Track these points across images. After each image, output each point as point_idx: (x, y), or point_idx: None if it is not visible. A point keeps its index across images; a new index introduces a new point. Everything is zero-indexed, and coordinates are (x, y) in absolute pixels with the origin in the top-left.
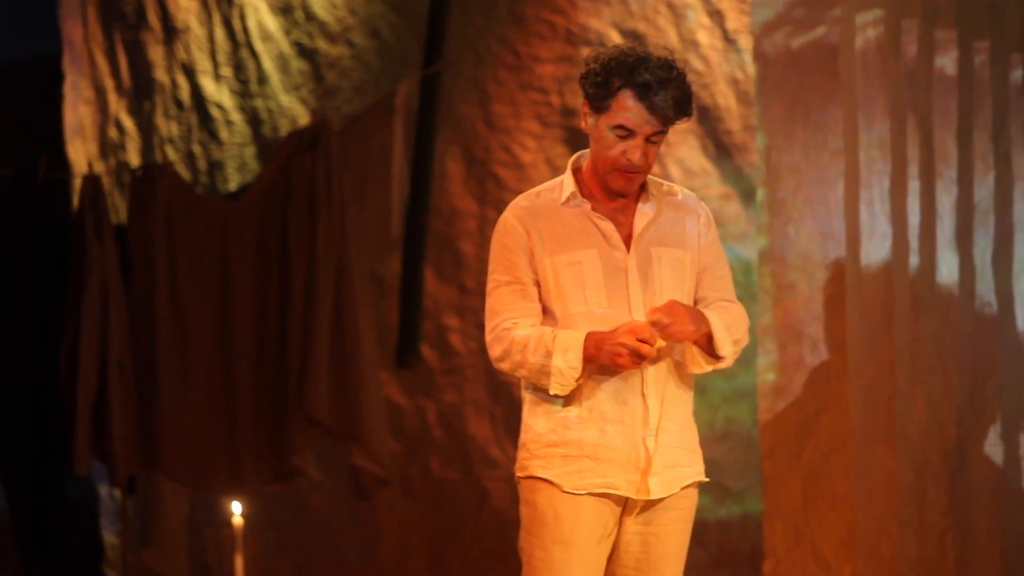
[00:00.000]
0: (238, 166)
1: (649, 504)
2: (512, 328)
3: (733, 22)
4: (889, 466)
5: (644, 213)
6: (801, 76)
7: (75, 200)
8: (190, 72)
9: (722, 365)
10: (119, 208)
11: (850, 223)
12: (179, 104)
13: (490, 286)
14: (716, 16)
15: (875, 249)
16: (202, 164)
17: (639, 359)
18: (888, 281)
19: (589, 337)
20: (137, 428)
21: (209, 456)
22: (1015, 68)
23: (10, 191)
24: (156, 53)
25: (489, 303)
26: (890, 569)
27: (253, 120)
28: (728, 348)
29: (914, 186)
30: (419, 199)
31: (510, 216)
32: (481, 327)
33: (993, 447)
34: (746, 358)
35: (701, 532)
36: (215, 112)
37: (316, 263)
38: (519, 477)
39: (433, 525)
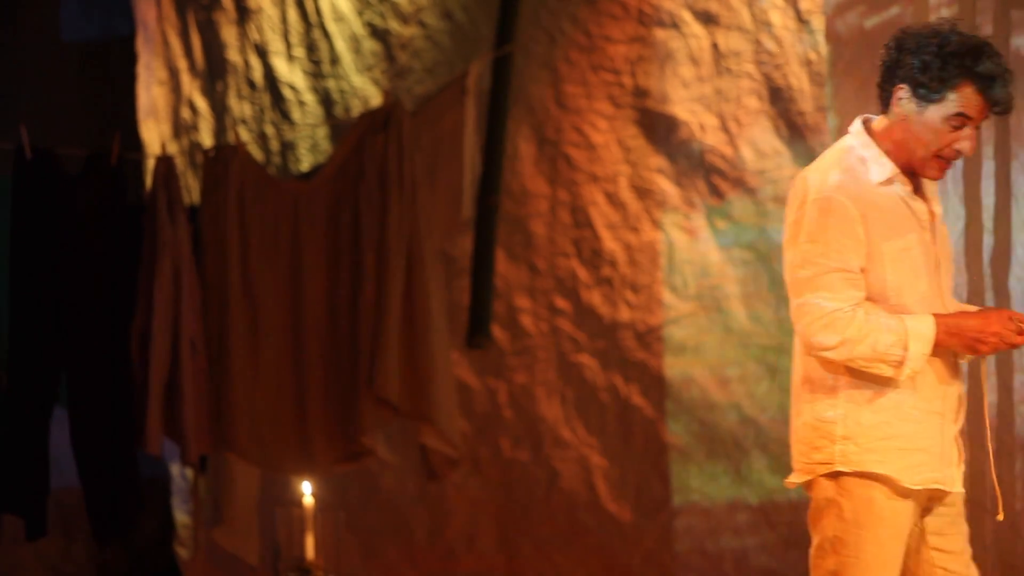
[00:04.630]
0: (310, 147)
1: (940, 498)
2: (851, 316)
3: (806, 2)
4: None
5: (932, 195)
6: (874, 56)
7: (148, 180)
8: (263, 53)
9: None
10: (192, 188)
11: None
12: (252, 85)
13: (815, 269)
14: None
15: (950, 231)
16: (274, 145)
17: (1002, 348)
18: (962, 264)
19: (939, 323)
20: (208, 408)
21: (279, 436)
22: None
23: (84, 171)
24: (229, 34)
25: (814, 286)
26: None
27: (325, 101)
28: None
29: (988, 167)
30: (490, 180)
31: (842, 197)
32: (553, 308)
33: None
34: None
35: (772, 513)
36: (287, 93)
37: (387, 243)
38: (843, 472)
39: (502, 505)
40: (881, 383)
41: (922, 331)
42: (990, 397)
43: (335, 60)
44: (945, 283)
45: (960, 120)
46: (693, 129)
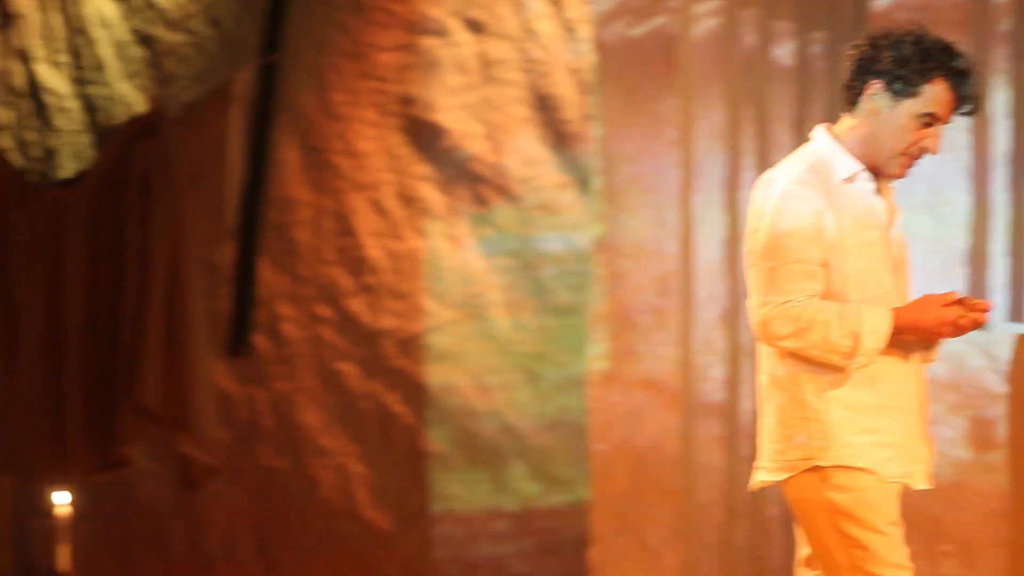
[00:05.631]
0: (73, 154)
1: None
2: (804, 306)
3: (573, 11)
4: (717, 454)
5: (891, 193)
6: (639, 66)
7: None
8: (25, 58)
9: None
10: None
11: (684, 213)
12: (13, 91)
13: (774, 261)
14: (556, 5)
15: (709, 239)
16: (36, 151)
17: (961, 333)
18: (722, 272)
19: (895, 317)
20: None
21: (35, 445)
22: None
23: None
24: None
25: (770, 278)
26: (718, 557)
27: (89, 107)
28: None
29: (749, 176)
30: (256, 188)
31: (806, 190)
32: (315, 316)
33: None
34: (577, 346)
35: (530, 520)
36: (50, 99)
37: (149, 251)
38: (823, 466)
39: (261, 515)
40: (848, 379)
41: (876, 325)
42: (747, 403)
43: (100, 66)
44: (903, 284)
45: (930, 118)
46: (459, 137)
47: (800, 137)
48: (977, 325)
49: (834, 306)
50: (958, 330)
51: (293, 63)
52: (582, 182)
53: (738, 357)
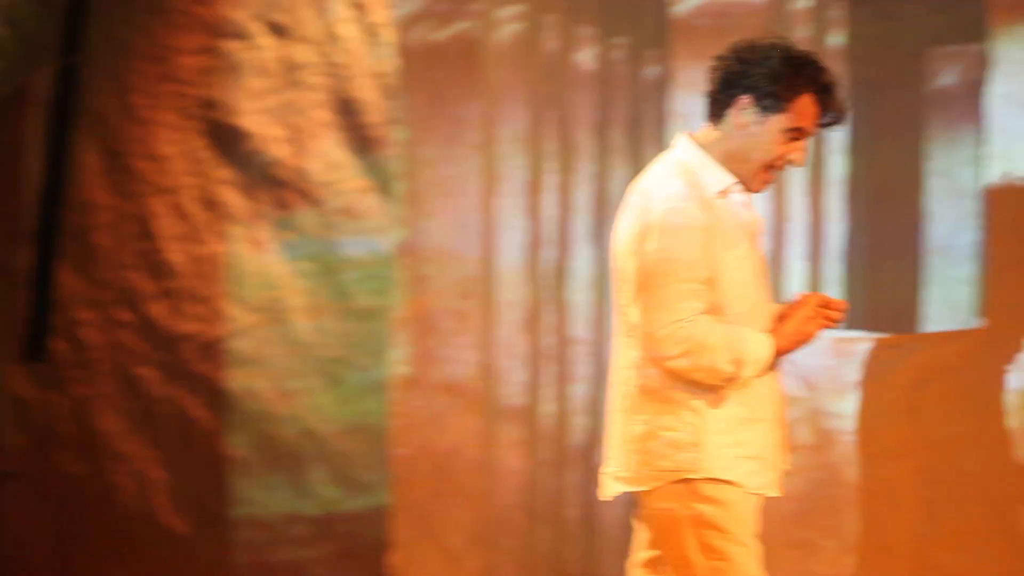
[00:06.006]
0: None
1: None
2: (693, 327)
3: (376, 15)
4: (519, 459)
5: (755, 206)
6: (442, 70)
7: None
8: None
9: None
10: None
11: (486, 217)
12: None
13: (663, 280)
14: (359, 9)
15: (511, 243)
16: None
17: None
18: (523, 276)
19: (775, 340)
20: None
21: None
22: (649, 64)
23: None
24: None
25: (661, 296)
26: (518, 561)
27: None
28: None
29: (551, 180)
30: (54, 191)
31: (691, 208)
32: (114, 321)
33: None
34: (379, 350)
35: (330, 524)
36: None
37: None
38: (693, 478)
39: (58, 520)
40: (722, 393)
41: (758, 354)
42: (548, 406)
43: None
44: (767, 293)
45: (797, 133)
46: (261, 141)
47: (601, 141)
48: (834, 324)
49: (721, 330)
50: (819, 330)
51: (93, 65)
52: (384, 186)
53: (539, 361)
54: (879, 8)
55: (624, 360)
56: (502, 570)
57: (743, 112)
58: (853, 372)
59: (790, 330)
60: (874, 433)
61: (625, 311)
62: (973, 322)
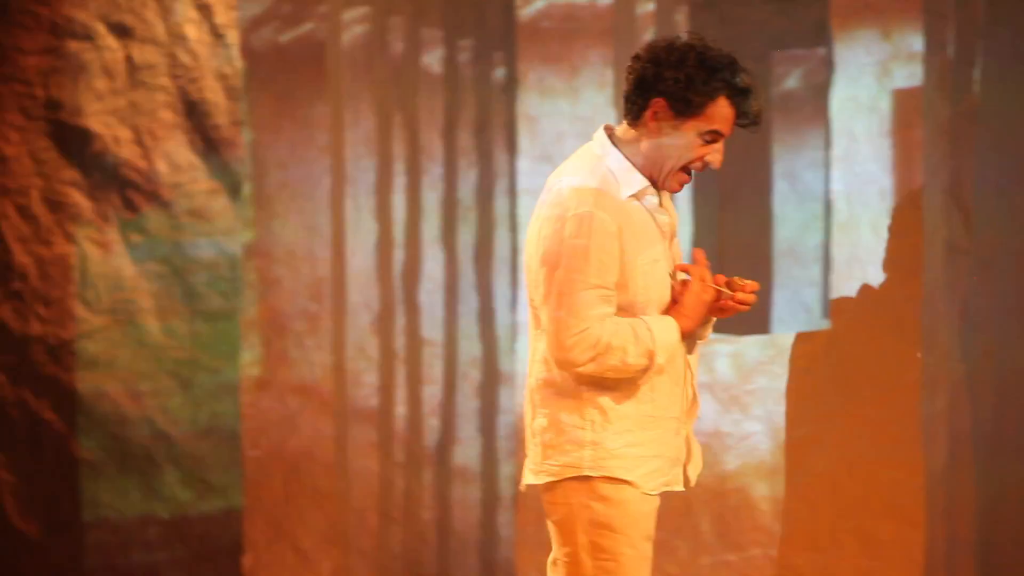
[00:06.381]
0: None
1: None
2: (600, 330)
3: (221, 16)
4: (371, 460)
5: (670, 208)
6: (289, 72)
7: None
8: None
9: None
10: None
11: (336, 219)
12: None
13: (573, 285)
14: (204, 10)
15: (361, 245)
16: None
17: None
18: (374, 277)
19: (679, 324)
20: None
21: None
22: (497, 66)
23: None
24: None
25: (570, 302)
26: (372, 562)
27: None
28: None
29: (400, 182)
30: None
31: (603, 212)
32: None
33: (471, 447)
34: (230, 352)
35: (183, 527)
36: None
37: None
38: (591, 476)
39: None
40: (628, 391)
41: (665, 338)
42: (400, 408)
43: None
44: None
45: (713, 135)
46: (107, 142)
47: (449, 143)
48: (744, 306)
49: (627, 324)
50: (725, 313)
51: None
52: (232, 188)
53: (391, 362)
54: (723, 12)
55: (534, 352)
56: (356, 571)
57: (658, 115)
58: (702, 374)
59: (689, 306)
60: (724, 434)
61: (535, 308)
62: (821, 323)
